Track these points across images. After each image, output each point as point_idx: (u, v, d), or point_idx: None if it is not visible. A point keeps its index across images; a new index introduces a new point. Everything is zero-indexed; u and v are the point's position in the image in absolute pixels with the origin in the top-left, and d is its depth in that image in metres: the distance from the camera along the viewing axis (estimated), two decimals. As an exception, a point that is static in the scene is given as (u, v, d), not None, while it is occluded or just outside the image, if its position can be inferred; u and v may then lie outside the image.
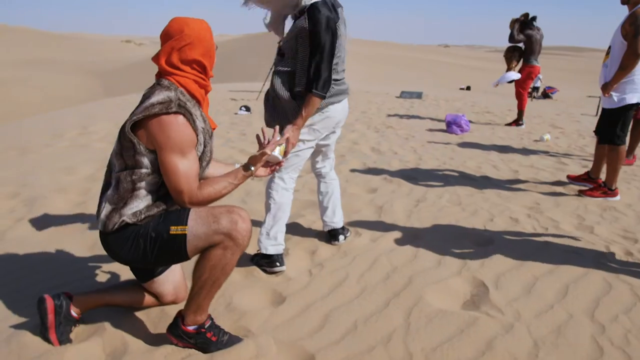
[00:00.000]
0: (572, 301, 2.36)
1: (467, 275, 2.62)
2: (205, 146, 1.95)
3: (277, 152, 2.21)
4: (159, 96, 1.83)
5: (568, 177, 4.52)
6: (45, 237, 3.18)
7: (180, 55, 1.88)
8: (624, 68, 3.75)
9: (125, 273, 2.58)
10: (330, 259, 2.81)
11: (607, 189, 4.08)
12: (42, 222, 3.43)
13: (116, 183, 1.91)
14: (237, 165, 2.22)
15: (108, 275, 2.63)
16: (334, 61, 2.50)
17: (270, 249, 2.62)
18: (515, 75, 7.50)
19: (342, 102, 2.67)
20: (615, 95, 3.85)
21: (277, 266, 2.61)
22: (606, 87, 3.89)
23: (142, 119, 1.81)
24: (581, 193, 4.17)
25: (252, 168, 1.99)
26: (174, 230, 1.84)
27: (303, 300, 2.35)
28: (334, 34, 2.40)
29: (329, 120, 2.64)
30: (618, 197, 4.07)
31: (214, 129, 2.08)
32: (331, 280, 2.55)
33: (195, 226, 1.84)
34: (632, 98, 3.82)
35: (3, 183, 4.38)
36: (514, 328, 2.13)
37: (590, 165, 5.27)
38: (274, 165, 2.27)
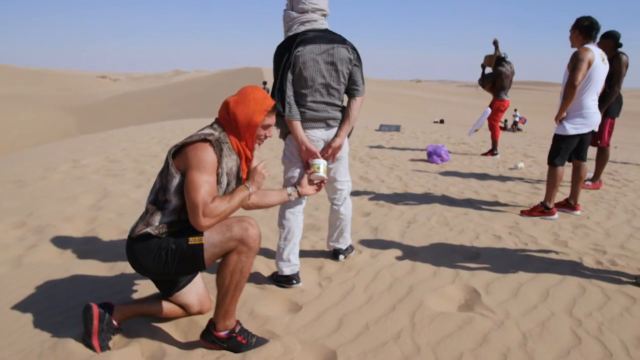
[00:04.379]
0: (552, 302, 2.70)
1: (460, 283, 2.94)
2: (228, 184, 2.24)
3: (322, 170, 2.46)
4: (205, 131, 2.20)
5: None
6: (65, 261, 3.34)
7: (228, 110, 2.24)
8: (565, 97, 4.24)
9: (149, 289, 2.80)
10: (336, 273, 3.09)
11: (544, 208, 4.46)
12: (57, 248, 3.57)
13: (154, 198, 2.21)
14: (289, 190, 2.64)
15: (134, 292, 2.85)
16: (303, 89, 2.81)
17: (286, 270, 2.90)
18: (487, 112, 8.02)
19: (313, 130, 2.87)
20: (566, 124, 4.33)
21: (294, 283, 2.88)
22: (557, 116, 4.39)
23: (183, 145, 2.13)
24: (522, 213, 4.55)
25: (247, 185, 2.27)
26: (192, 240, 2.10)
27: (317, 307, 2.62)
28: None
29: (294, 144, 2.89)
30: (556, 216, 4.46)
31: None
32: (340, 290, 2.83)
33: (211, 235, 2.10)
34: (580, 129, 4.31)
35: (7, 214, 4.49)
36: (505, 324, 2.44)
37: (563, 189, 5.72)
38: (319, 183, 2.61)
